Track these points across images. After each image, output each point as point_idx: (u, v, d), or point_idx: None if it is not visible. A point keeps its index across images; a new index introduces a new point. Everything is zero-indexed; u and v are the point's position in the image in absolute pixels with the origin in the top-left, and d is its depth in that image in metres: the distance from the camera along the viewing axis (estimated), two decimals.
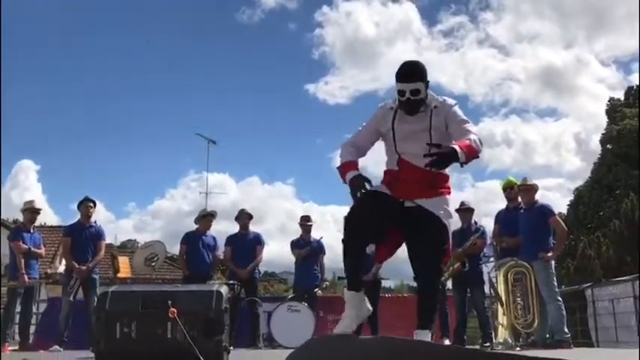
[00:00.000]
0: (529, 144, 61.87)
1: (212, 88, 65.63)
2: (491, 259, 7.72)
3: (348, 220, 3.76)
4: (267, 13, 68.48)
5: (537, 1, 60.94)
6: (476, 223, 7.92)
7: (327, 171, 74.29)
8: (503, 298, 6.65)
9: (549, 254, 6.70)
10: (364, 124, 4.02)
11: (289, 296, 8.60)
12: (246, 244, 8.58)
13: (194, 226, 8.65)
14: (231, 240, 8.68)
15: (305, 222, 9.00)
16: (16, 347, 7.88)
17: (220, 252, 8.58)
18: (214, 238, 8.62)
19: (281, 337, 7.68)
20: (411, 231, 3.85)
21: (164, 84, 63.63)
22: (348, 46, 65.81)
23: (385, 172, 3.98)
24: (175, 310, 3.12)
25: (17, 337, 8.29)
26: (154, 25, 63.94)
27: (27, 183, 54.56)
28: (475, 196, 62.63)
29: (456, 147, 3.44)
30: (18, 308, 7.87)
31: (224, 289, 3.35)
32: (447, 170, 3.89)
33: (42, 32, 58.84)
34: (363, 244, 3.83)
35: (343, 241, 3.78)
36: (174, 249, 11.24)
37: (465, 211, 7.91)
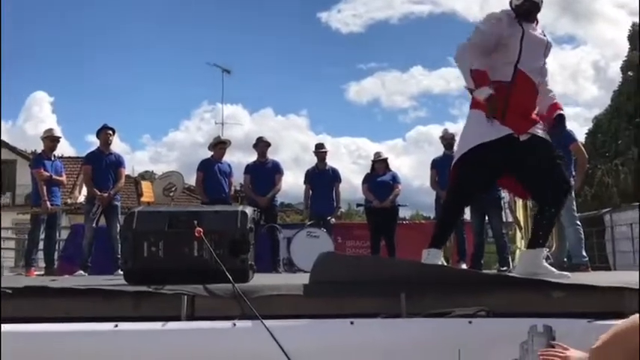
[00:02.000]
0: None
1: (224, 18, 64.52)
2: None
3: (457, 194, 4.00)
4: None
5: None
6: None
7: (340, 102, 73.75)
8: (522, 223, 6.68)
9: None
10: (482, 27, 3.86)
11: (308, 223, 8.68)
12: (265, 172, 8.61)
13: (210, 155, 8.67)
14: (249, 168, 8.70)
15: (319, 150, 9.00)
16: (42, 272, 8.07)
17: (236, 180, 8.61)
18: (229, 166, 8.66)
19: (301, 261, 7.81)
20: (531, 166, 3.77)
21: (176, 14, 62.66)
22: None
23: (491, 86, 3.70)
24: (201, 230, 3.15)
25: (42, 263, 8.50)
26: None
27: (41, 115, 54.72)
28: None
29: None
30: (42, 235, 8.01)
31: (249, 210, 3.38)
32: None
33: None
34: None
35: (447, 208, 4.04)
36: (191, 179, 11.33)
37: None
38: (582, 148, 6.89)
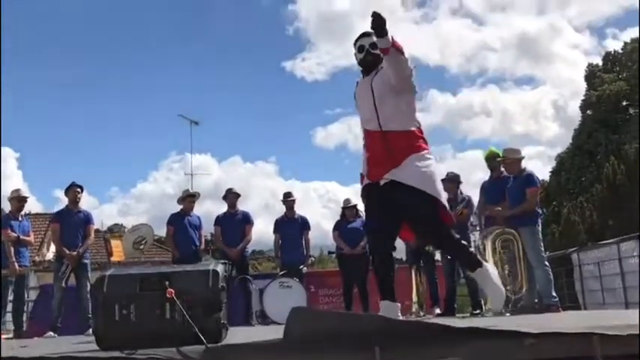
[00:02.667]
0: (507, 113, 62.13)
1: (189, 69, 64.93)
2: (478, 227, 7.83)
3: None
4: None
5: None
6: (461, 193, 8.01)
7: (308, 147, 74.16)
8: (491, 264, 6.75)
9: (498, 208, 6.86)
10: None
11: (280, 273, 8.66)
12: (235, 224, 8.62)
13: (179, 208, 8.67)
14: (219, 220, 8.72)
15: (287, 198, 9.04)
16: (10, 335, 7.89)
17: (206, 231, 8.60)
18: (199, 218, 8.68)
19: (274, 313, 7.76)
20: (399, 211, 3.84)
21: (142, 66, 62.91)
22: (323, 20, 65.25)
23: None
24: (173, 291, 3.15)
25: (10, 326, 8.31)
26: (133, 5, 63.01)
27: (7, 171, 53.92)
28: (457, 167, 62.88)
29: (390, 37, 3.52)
30: (10, 296, 7.86)
31: (220, 268, 3.38)
32: (410, 124, 3.85)
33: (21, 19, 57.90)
34: (380, 254, 4.01)
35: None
36: (161, 231, 11.28)
37: (450, 181, 8.00)
38: (535, 197, 6.88)
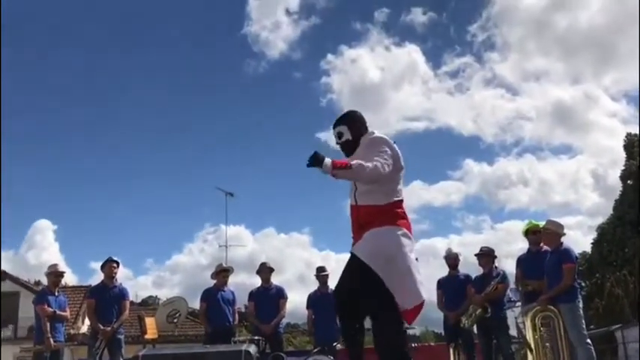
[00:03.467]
0: (546, 182, 61.56)
1: (223, 141, 66.18)
2: (518, 303, 7.63)
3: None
4: (273, 64, 69.46)
5: (542, 39, 61.50)
6: (496, 267, 7.88)
7: (341, 219, 74.10)
8: (532, 344, 6.55)
9: (543, 297, 6.65)
10: None
11: (314, 350, 8.48)
12: (269, 299, 8.55)
13: (213, 281, 8.66)
14: (253, 295, 8.65)
15: (320, 273, 8.91)
16: None
17: (239, 306, 8.54)
18: (233, 293, 8.63)
19: None
20: (353, 280, 3.88)
21: (178, 140, 64.43)
22: (355, 92, 66.38)
23: None
24: None
25: None
26: (164, 82, 65.17)
27: (44, 243, 54.96)
28: (495, 238, 62.07)
29: (329, 159, 3.62)
30: None
31: (252, 349, 3.35)
32: (384, 199, 3.90)
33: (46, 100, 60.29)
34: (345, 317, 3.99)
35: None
36: (195, 304, 11.24)
37: (485, 256, 7.89)
38: (572, 272, 6.66)
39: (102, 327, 7.68)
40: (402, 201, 4.00)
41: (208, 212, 66.09)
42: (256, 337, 7.80)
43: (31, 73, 58.86)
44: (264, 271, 8.73)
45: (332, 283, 8.89)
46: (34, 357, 7.99)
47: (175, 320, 9.05)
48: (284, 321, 9.03)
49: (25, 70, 57.01)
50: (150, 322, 8.91)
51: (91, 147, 61.78)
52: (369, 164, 3.69)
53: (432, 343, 9.04)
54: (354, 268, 3.85)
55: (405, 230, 3.91)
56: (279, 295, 8.65)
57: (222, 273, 8.61)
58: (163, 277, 72.82)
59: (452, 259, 8.33)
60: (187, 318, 20.16)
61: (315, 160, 3.61)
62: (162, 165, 63.86)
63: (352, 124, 4.10)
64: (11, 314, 25.00)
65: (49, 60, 58.44)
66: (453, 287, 8.19)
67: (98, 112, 62.11)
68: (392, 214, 3.92)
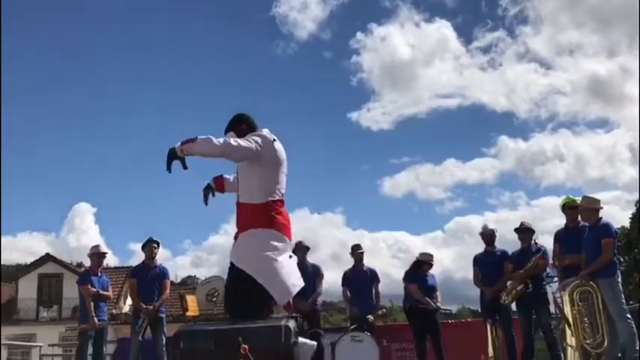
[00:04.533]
0: (582, 157, 60.52)
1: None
2: (555, 279, 7.59)
3: None
4: (302, 45, 69.24)
5: (575, 11, 60.18)
6: (536, 243, 7.81)
7: (375, 197, 74.01)
8: (570, 319, 6.52)
9: (583, 272, 6.58)
10: None
11: (351, 326, 8.58)
12: (305, 276, 8.45)
13: None
14: None
15: (356, 251, 8.98)
16: None
17: None
18: None
19: None
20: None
21: (211, 123, 64.88)
22: (386, 70, 65.92)
23: None
24: (247, 347, 3.20)
25: None
26: (194, 67, 65.45)
27: (84, 226, 56.17)
28: (530, 214, 61.38)
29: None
30: (90, 350, 8.09)
31: (292, 323, 3.43)
32: (259, 198, 4.01)
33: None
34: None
35: None
36: None
37: (525, 231, 7.83)
38: (611, 247, 6.56)
39: (144, 306, 7.88)
40: (282, 201, 4.12)
41: None
42: (294, 314, 7.93)
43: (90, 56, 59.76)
44: (301, 249, 8.79)
45: (367, 261, 8.98)
46: (79, 335, 8.23)
47: (214, 299, 9.22)
48: (320, 299, 9.12)
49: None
50: (191, 299, 9.10)
51: (128, 130, 62.74)
52: (220, 139, 3.79)
53: (469, 319, 9.02)
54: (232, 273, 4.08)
55: (276, 232, 4.03)
56: (316, 272, 8.73)
57: None
58: (201, 258, 73.92)
59: (488, 236, 8.30)
60: None
61: (169, 156, 3.79)
62: None
63: (237, 128, 4.18)
64: (55, 295, 25.72)
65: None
66: (489, 263, 8.17)
67: (132, 97, 62.84)
68: (268, 213, 4.02)
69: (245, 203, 4.02)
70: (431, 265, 8.62)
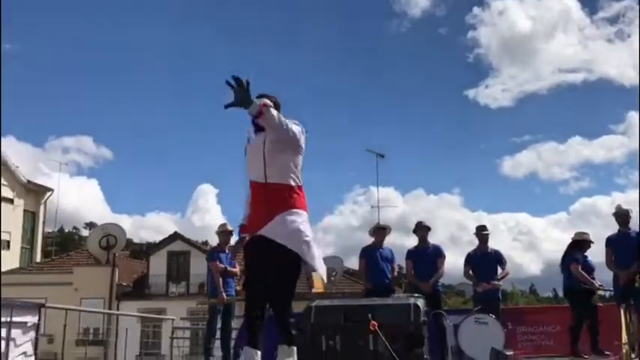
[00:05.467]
0: None
1: (373, 102, 66.28)
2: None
3: None
4: (415, 22, 67.99)
5: None
6: None
7: (494, 177, 71.92)
8: None
9: None
10: None
11: (475, 308, 8.41)
12: (426, 257, 8.56)
13: (366, 240, 8.81)
14: (411, 254, 8.70)
15: (481, 232, 8.78)
16: None
17: (396, 265, 8.63)
18: (391, 251, 8.73)
19: (470, 349, 7.54)
20: (260, 265, 3.84)
21: (330, 102, 65.50)
22: (504, 45, 63.48)
23: None
24: (376, 323, 3.22)
25: (217, 352, 8.90)
26: (312, 47, 66.09)
27: (207, 206, 58.60)
28: None
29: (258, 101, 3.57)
30: (219, 324, 8.45)
31: (421, 302, 3.41)
32: (291, 180, 3.88)
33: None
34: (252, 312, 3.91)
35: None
36: (349, 263, 11.53)
37: None
38: None
39: None
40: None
41: (357, 174, 66.93)
42: (415, 295, 7.89)
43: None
44: (421, 229, 8.73)
45: (491, 243, 8.76)
46: (209, 310, 8.64)
47: (332, 278, 9.37)
48: (440, 280, 9.03)
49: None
50: (316, 277, 9.27)
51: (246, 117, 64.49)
52: (282, 118, 3.75)
53: (601, 304, 8.57)
54: (267, 252, 3.80)
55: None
56: (437, 253, 8.63)
57: (380, 231, 8.75)
58: (317, 238, 75.06)
59: (623, 216, 7.87)
60: (344, 276, 20.74)
61: (241, 99, 3.55)
62: (316, 125, 65.33)
63: (270, 98, 3.97)
64: (184, 272, 27.12)
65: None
66: (624, 245, 7.73)
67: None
68: (303, 198, 3.96)
69: (278, 183, 3.91)
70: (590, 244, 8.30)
